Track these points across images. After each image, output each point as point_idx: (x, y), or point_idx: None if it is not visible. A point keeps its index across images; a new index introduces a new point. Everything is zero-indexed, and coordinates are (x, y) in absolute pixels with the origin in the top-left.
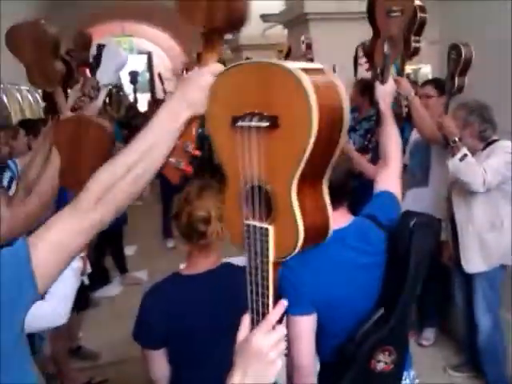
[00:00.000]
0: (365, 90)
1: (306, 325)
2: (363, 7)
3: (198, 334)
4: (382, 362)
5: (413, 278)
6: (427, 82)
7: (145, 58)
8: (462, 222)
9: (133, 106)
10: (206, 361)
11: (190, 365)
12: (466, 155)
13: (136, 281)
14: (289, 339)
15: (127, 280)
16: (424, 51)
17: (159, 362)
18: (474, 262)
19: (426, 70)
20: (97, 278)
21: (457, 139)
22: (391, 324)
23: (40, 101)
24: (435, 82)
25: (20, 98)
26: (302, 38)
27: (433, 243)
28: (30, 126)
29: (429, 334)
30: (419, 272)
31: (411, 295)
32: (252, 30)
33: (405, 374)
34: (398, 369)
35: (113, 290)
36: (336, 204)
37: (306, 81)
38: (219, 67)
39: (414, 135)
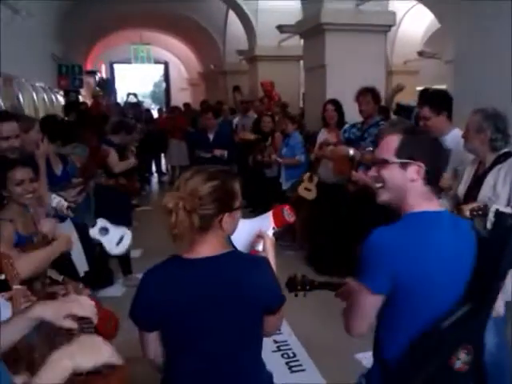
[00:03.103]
0: (376, 98)
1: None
2: (380, 20)
3: (191, 320)
4: (461, 360)
5: (501, 279)
6: (423, 103)
7: (161, 67)
8: None
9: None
10: (197, 348)
11: (182, 350)
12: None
13: (138, 282)
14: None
15: (130, 282)
16: (439, 70)
17: (153, 346)
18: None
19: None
20: (101, 278)
21: None
22: (478, 321)
23: (55, 100)
24: (430, 102)
25: (34, 95)
26: None
27: None
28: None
29: None
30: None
31: (495, 296)
32: (268, 41)
33: None
34: (471, 371)
35: (115, 290)
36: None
37: None
38: None
39: None
